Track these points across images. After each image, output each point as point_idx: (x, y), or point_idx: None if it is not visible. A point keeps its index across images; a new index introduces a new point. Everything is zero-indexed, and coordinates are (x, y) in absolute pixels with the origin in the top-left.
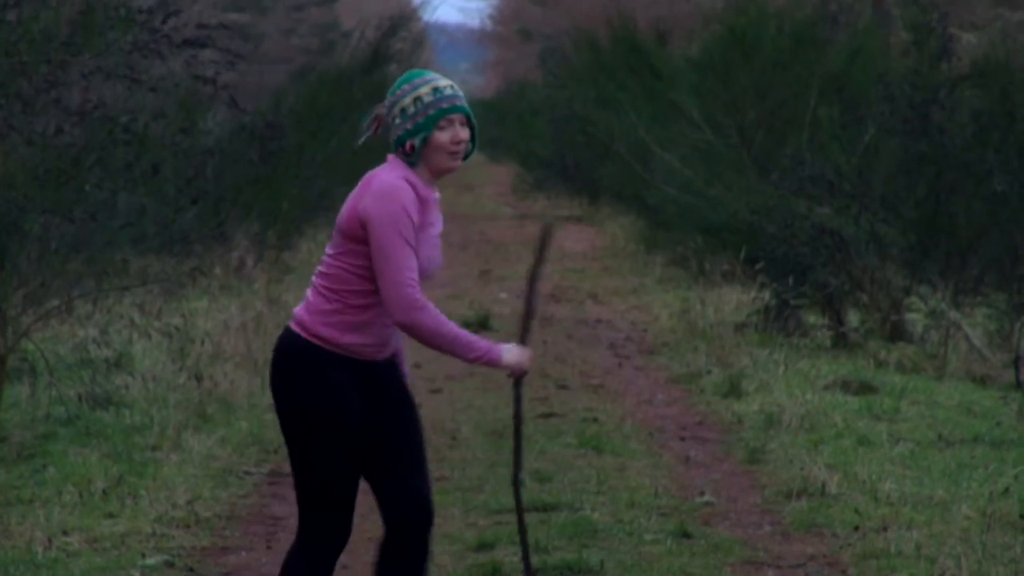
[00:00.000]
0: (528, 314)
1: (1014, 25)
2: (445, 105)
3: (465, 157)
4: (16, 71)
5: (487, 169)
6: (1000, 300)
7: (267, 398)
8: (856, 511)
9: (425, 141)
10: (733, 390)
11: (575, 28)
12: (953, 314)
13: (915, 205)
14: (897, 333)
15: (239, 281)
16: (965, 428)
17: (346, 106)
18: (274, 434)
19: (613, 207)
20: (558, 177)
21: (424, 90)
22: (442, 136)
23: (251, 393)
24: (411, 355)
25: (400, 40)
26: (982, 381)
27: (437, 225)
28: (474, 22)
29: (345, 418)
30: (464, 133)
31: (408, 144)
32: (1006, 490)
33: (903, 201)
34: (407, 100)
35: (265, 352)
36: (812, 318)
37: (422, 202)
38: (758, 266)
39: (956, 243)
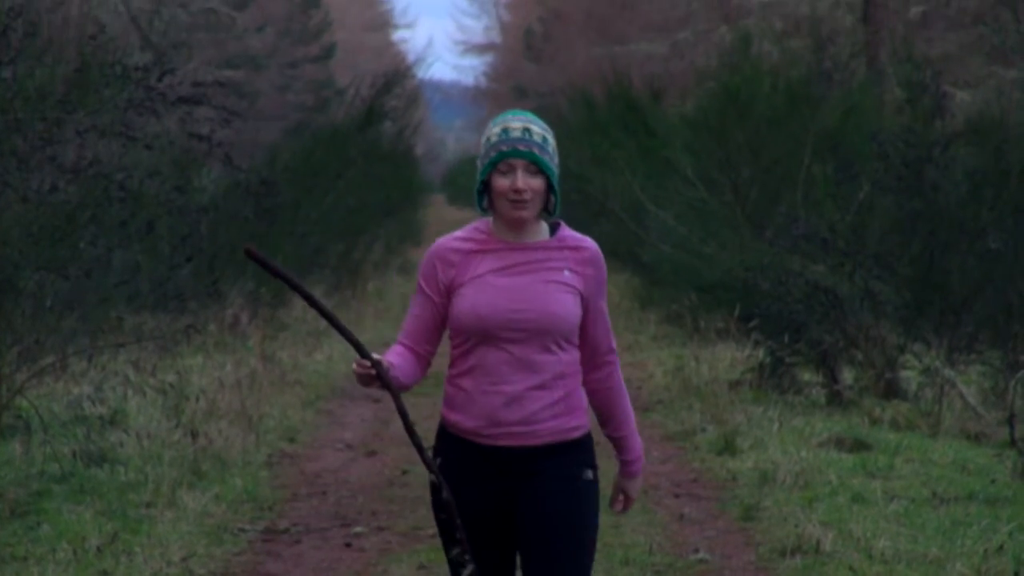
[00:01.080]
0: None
1: (1008, 83)
2: (505, 148)
3: (552, 211)
4: (11, 128)
5: None
6: (994, 358)
7: (261, 455)
8: (851, 569)
9: (484, 185)
10: (728, 447)
11: (570, 86)
12: (947, 372)
13: (909, 263)
14: (891, 390)
15: (234, 338)
16: (960, 486)
17: (341, 163)
18: (268, 491)
19: (608, 264)
20: None
21: (494, 130)
22: (501, 182)
23: (246, 450)
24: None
25: (395, 97)
26: (976, 439)
27: (513, 271)
28: (469, 80)
29: (465, 507)
30: (527, 182)
31: (478, 186)
32: (1000, 548)
33: (897, 259)
34: (483, 139)
35: (260, 408)
36: (806, 375)
37: (465, 254)
38: (752, 323)
39: (950, 301)
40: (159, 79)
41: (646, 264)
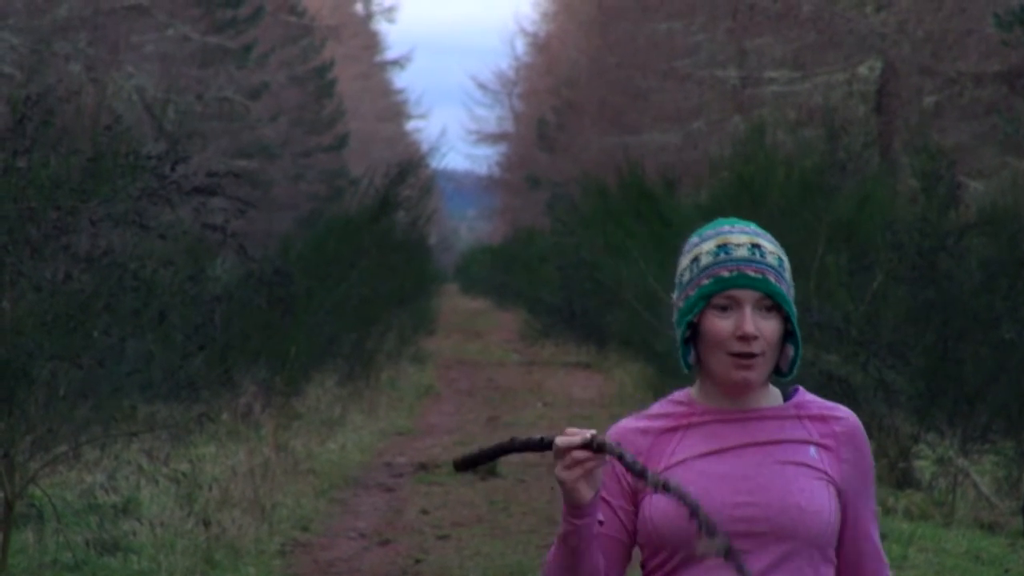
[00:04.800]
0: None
1: (1022, 173)
2: (726, 272)
3: (785, 372)
4: (25, 217)
5: (495, 315)
6: (1008, 447)
7: (274, 544)
8: None
9: (691, 328)
10: None
11: (583, 175)
12: (961, 461)
13: (923, 352)
14: (905, 480)
15: (247, 427)
16: (973, 575)
17: (354, 252)
18: None
19: (621, 354)
20: (566, 324)
21: (706, 247)
22: (719, 324)
23: (258, 539)
24: (419, 500)
25: (408, 187)
26: (990, 528)
27: (732, 453)
28: (482, 169)
29: None
30: (759, 326)
31: (678, 333)
32: None
33: (911, 348)
34: (685, 261)
35: (273, 497)
36: None
37: (656, 435)
38: None
39: (964, 390)
40: (172, 168)
41: (660, 353)
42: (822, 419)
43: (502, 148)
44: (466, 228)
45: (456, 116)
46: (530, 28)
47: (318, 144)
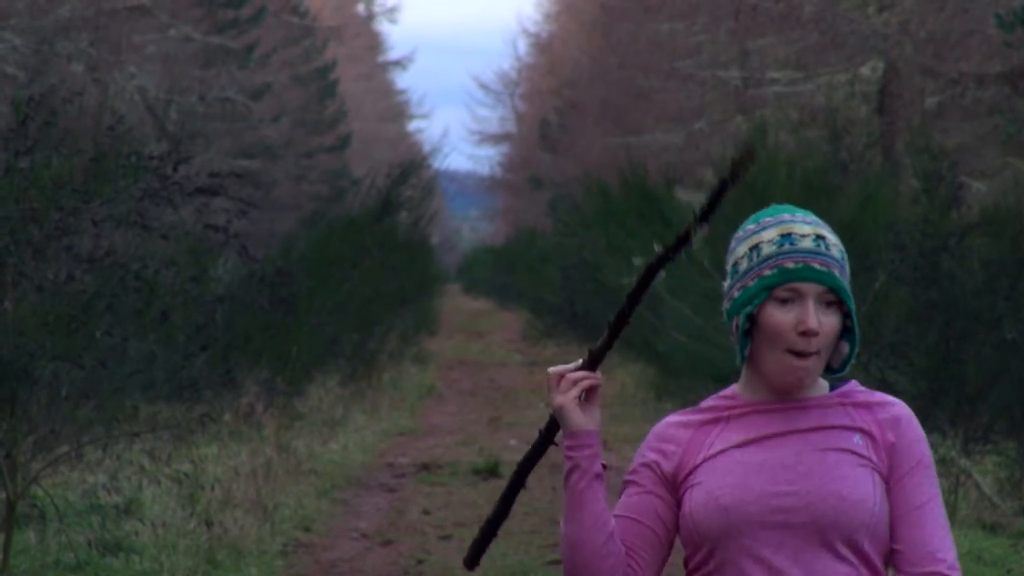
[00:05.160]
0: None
1: None
2: (791, 264)
3: (837, 368)
4: (27, 218)
5: (497, 316)
6: (1010, 448)
7: (276, 544)
8: None
9: (750, 320)
10: None
11: (585, 175)
12: (963, 461)
13: (925, 353)
14: None
15: (249, 427)
16: None
17: (356, 253)
18: None
19: (622, 354)
20: (568, 324)
21: (768, 235)
22: (779, 317)
23: (260, 539)
24: (421, 501)
25: (410, 187)
26: (992, 529)
27: (770, 442)
28: (484, 170)
29: None
30: (818, 321)
31: (733, 324)
32: None
33: (913, 348)
34: (742, 249)
35: (275, 498)
36: None
37: (697, 428)
38: None
39: (966, 390)
40: (174, 168)
41: (661, 354)
42: (867, 407)
43: (504, 148)
44: (468, 228)
45: (458, 117)
46: (532, 28)
47: (320, 144)
